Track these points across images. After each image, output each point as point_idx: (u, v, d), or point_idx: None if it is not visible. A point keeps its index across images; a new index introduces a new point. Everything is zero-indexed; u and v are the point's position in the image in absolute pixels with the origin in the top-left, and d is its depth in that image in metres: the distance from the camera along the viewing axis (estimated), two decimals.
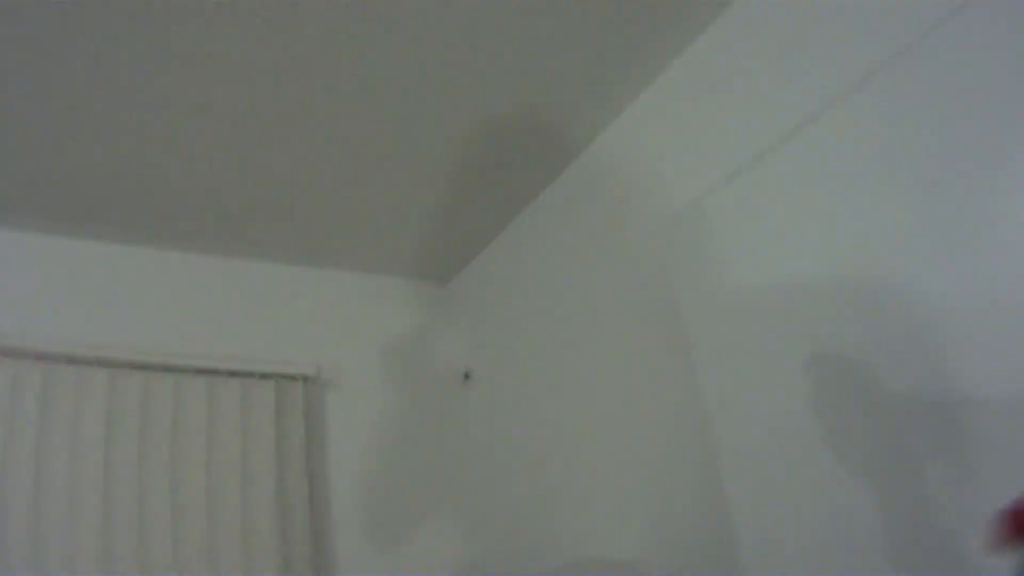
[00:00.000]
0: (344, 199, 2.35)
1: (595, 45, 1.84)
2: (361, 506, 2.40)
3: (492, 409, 2.59)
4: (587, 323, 2.16)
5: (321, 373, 2.47)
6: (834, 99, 1.44)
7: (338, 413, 2.49)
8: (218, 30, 1.62)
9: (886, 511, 1.26)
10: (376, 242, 2.60)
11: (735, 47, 1.77)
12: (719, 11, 1.77)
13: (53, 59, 1.63)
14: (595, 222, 2.17)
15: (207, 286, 2.45)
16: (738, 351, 1.61)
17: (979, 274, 1.16)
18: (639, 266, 1.97)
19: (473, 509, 2.55)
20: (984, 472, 1.11)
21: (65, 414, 2.03)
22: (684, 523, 1.79)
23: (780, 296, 1.53)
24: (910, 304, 1.27)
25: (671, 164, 1.91)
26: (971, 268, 1.17)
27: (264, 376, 2.35)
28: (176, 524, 2.05)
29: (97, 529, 1.94)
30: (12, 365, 2.01)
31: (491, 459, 2.56)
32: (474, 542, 2.51)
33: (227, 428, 2.23)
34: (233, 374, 2.30)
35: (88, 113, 1.81)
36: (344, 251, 2.63)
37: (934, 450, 1.20)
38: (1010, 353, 1.09)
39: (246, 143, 2.00)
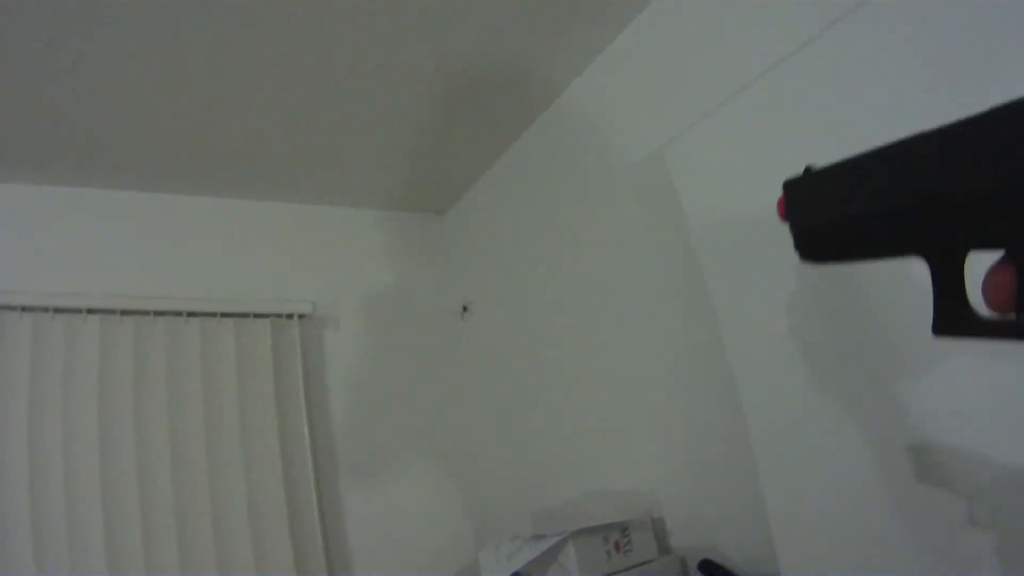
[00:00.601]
0: (333, 137, 2.25)
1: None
2: (361, 442, 2.41)
3: (491, 341, 2.56)
4: (581, 250, 2.11)
5: (317, 310, 2.44)
6: (800, 43, 1.38)
7: (336, 349, 2.47)
8: None
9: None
10: (368, 177, 2.53)
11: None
12: None
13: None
14: (585, 152, 2.10)
15: (198, 227, 2.39)
16: (737, 266, 1.56)
17: None
18: (625, 195, 1.92)
19: (473, 444, 2.56)
20: None
21: (58, 365, 2.01)
22: (698, 450, 1.79)
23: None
24: None
25: (652, 99, 1.85)
26: None
27: (259, 316, 2.32)
28: (177, 468, 2.05)
29: (97, 477, 1.95)
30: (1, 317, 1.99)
31: (491, 392, 2.55)
32: (474, 476, 2.52)
33: (224, 370, 2.22)
34: (227, 315, 2.27)
35: (61, 55, 1.71)
36: (336, 187, 2.56)
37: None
38: None
39: (231, 82, 1.90)
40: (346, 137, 2.26)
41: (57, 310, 2.06)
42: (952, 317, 0.40)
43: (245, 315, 2.30)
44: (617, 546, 1.89)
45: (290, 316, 2.37)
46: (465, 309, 2.67)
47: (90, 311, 2.10)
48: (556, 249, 2.21)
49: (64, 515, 1.88)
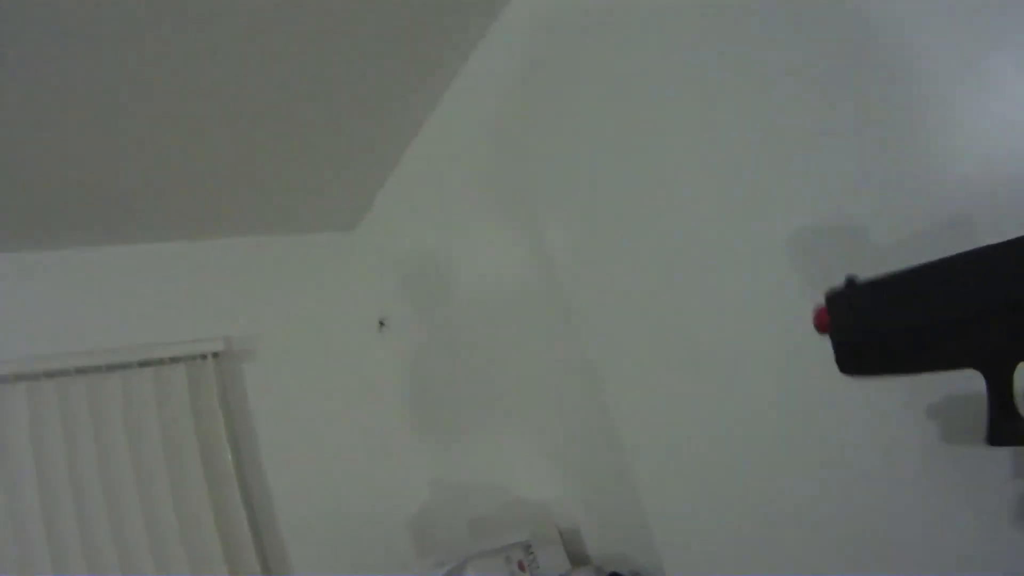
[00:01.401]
0: (225, 170, 2.30)
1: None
2: (293, 469, 2.54)
3: (410, 353, 2.68)
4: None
5: (233, 345, 2.53)
6: None
7: (257, 382, 2.58)
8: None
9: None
10: (268, 204, 2.58)
11: None
12: None
13: None
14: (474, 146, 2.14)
15: (104, 278, 2.45)
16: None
17: None
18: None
19: (404, 456, 2.71)
20: None
21: None
22: (600, 458, 1.88)
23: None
24: None
25: None
26: None
27: (175, 359, 2.41)
28: (113, 523, 2.18)
29: (43, 539, 2.08)
30: None
31: (417, 402, 2.68)
32: (409, 488, 2.68)
33: (148, 419, 2.32)
34: (144, 364, 2.36)
35: None
36: (239, 218, 2.61)
37: None
38: None
39: (107, 134, 1.94)
40: (242, 170, 2.31)
41: None
42: (1005, 429, 0.43)
43: (161, 361, 2.38)
44: (521, 566, 2.04)
45: (204, 356, 2.46)
46: (382, 324, 2.77)
47: (18, 378, 2.18)
48: (459, 258, 2.29)
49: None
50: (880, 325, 0.47)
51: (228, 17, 1.60)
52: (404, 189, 2.58)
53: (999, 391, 0.43)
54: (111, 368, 2.31)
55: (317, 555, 2.47)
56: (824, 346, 0.57)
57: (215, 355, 2.48)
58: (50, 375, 2.23)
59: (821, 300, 0.56)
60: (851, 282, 0.51)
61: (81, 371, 2.27)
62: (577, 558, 2.11)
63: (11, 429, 2.15)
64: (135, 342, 2.38)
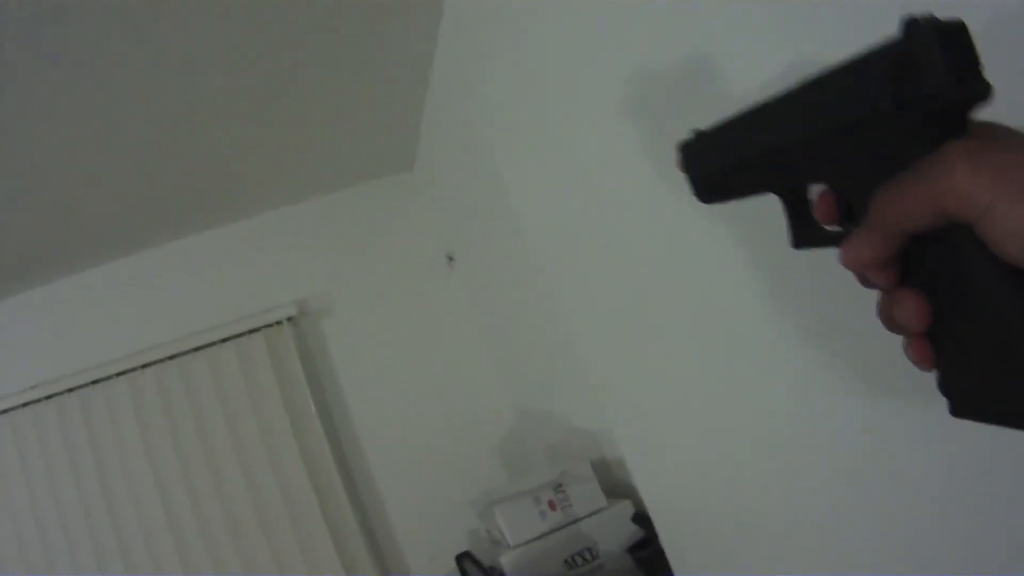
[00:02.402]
0: (269, 142, 2.28)
1: None
2: (383, 417, 2.60)
3: (479, 286, 2.56)
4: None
5: (308, 306, 2.61)
6: None
7: (337, 336, 2.65)
8: None
9: None
10: (320, 163, 2.56)
11: None
12: None
13: None
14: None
15: (174, 272, 2.63)
16: None
17: None
18: None
19: (485, 390, 2.63)
20: None
21: (104, 429, 2.42)
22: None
23: None
24: None
25: None
26: None
27: (252, 330, 2.55)
28: (219, 491, 2.42)
29: (161, 521, 2.37)
30: (57, 402, 2.43)
31: (493, 334, 2.57)
32: (493, 418, 2.60)
33: (237, 392, 2.50)
34: (225, 340, 2.53)
35: None
36: (295, 185, 2.64)
37: None
38: None
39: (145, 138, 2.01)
40: (280, 137, 2.29)
41: (94, 381, 2.45)
42: (803, 233, 0.52)
43: (240, 334, 2.53)
44: (552, 505, 1.90)
45: (279, 323, 2.56)
46: (451, 259, 2.67)
47: (120, 373, 2.47)
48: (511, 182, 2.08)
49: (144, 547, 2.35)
50: (709, 163, 0.59)
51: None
52: (442, 116, 2.39)
53: (794, 207, 0.53)
54: (197, 349, 2.51)
55: (411, 496, 2.51)
56: None
57: (290, 319, 2.58)
58: (147, 365, 2.48)
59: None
60: (697, 132, 0.61)
61: (172, 357, 2.49)
62: (620, 489, 1.91)
63: (120, 420, 2.43)
64: (220, 323, 2.54)
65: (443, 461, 2.55)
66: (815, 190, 0.50)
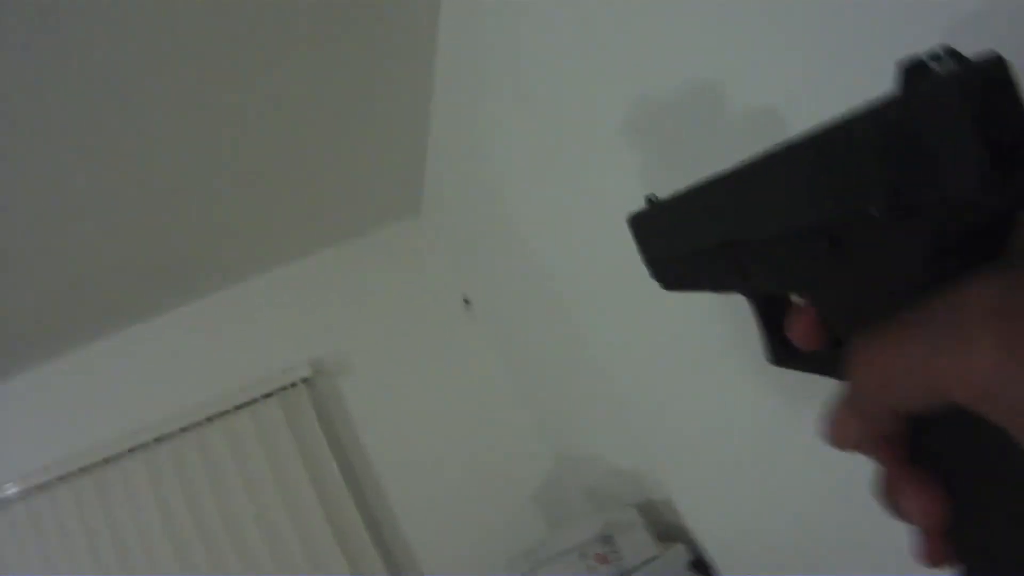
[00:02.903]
0: (270, 201, 2.21)
1: None
2: (408, 467, 2.47)
3: (498, 325, 2.44)
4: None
5: (323, 365, 2.50)
6: None
7: (357, 392, 2.53)
8: None
9: None
10: (325, 215, 2.47)
11: None
12: None
13: None
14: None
15: (186, 338, 2.53)
16: None
17: None
18: None
19: (513, 437, 2.50)
20: None
21: (121, 507, 2.31)
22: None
23: None
24: None
25: None
26: None
27: (267, 395, 2.43)
28: (243, 561, 2.28)
29: None
30: (68, 486, 2.31)
31: (518, 378, 2.45)
32: (525, 467, 2.47)
33: (257, 459, 2.38)
34: (240, 407, 2.42)
35: None
36: (302, 240, 2.55)
37: None
38: None
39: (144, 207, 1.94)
40: (281, 196, 2.20)
41: (106, 461, 2.33)
42: (780, 350, 0.41)
43: (254, 400, 2.42)
44: (600, 558, 1.76)
45: (294, 384, 2.45)
46: (467, 302, 2.56)
47: (136, 449, 2.35)
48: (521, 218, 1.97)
49: None
50: (660, 248, 0.49)
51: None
52: (444, 156, 2.29)
53: (767, 315, 0.42)
54: (211, 419, 2.40)
55: (444, 547, 2.38)
56: None
57: (305, 380, 2.47)
58: (160, 440, 2.36)
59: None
60: (648, 201, 0.50)
61: (186, 428, 2.38)
62: (671, 533, 1.78)
63: (137, 497, 2.31)
64: (232, 389, 2.43)
65: (478, 517, 2.42)
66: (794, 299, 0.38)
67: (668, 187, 0.87)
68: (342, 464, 2.42)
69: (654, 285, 0.66)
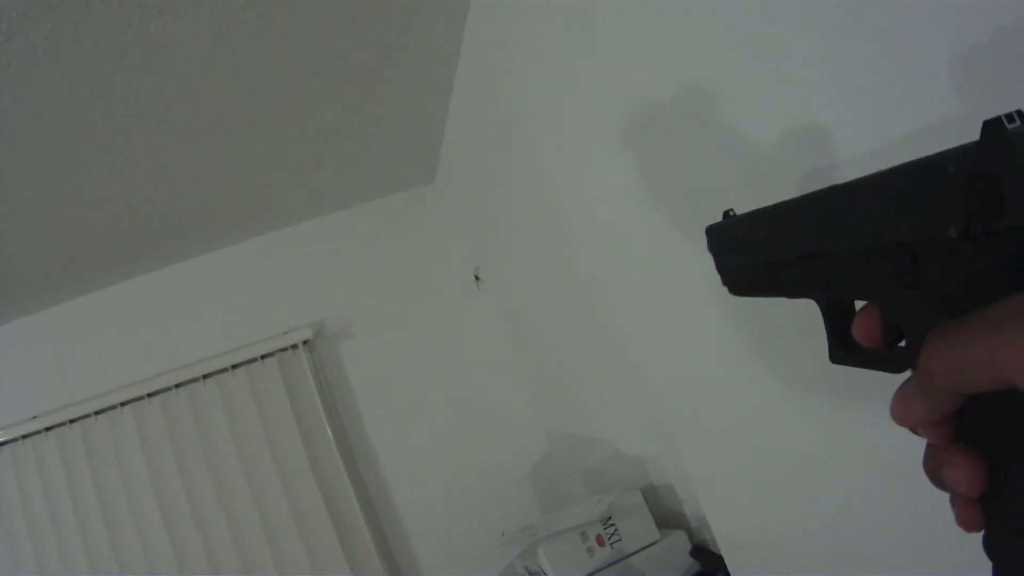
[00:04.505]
0: (285, 157, 2.15)
1: None
2: (401, 437, 2.44)
3: (508, 303, 2.40)
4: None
5: (325, 328, 2.46)
6: None
7: (357, 358, 2.49)
8: None
9: None
10: (338, 177, 2.41)
11: None
12: None
13: None
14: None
15: (187, 294, 2.48)
16: None
17: None
18: None
19: (514, 410, 2.47)
20: None
21: (108, 460, 2.26)
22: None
23: None
24: None
25: None
26: None
27: (265, 356, 2.39)
28: (230, 521, 2.25)
29: (168, 555, 2.21)
30: (55, 435, 2.26)
31: (522, 355, 2.42)
32: (524, 443, 2.44)
33: (248, 417, 2.34)
34: (236, 366, 2.37)
35: None
36: (313, 200, 2.49)
37: None
38: None
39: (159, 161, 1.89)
40: (296, 152, 2.15)
41: (97, 412, 2.29)
42: (841, 349, 0.48)
43: (252, 360, 2.38)
44: (600, 540, 1.73)
45: (294, 347, 2.41)
46: (477, 278, 2.52)
47: (124, 403, 2.31)
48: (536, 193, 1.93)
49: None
50: (738, 257, 0.55)
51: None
52: (463, 124, 2.24)
53: (833, 318, 0.48)
54: (207, 376, 2.35)
55: (435, 529, 2.35)
56: None
57: (305, 343, 2.42)
58: (153, 394, 2.32)
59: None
60: (725, 215, 0.57)
61: (180, 384, 2.34)
62: (672, 520, 1.76)
63: (125, 449, 2.27)
64: (231, 347, 2.39)
65: (470, 492, 2.38)
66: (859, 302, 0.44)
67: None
68: (336, 430, 2.37)
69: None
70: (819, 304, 0.49)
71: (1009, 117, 0.30)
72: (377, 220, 2.62)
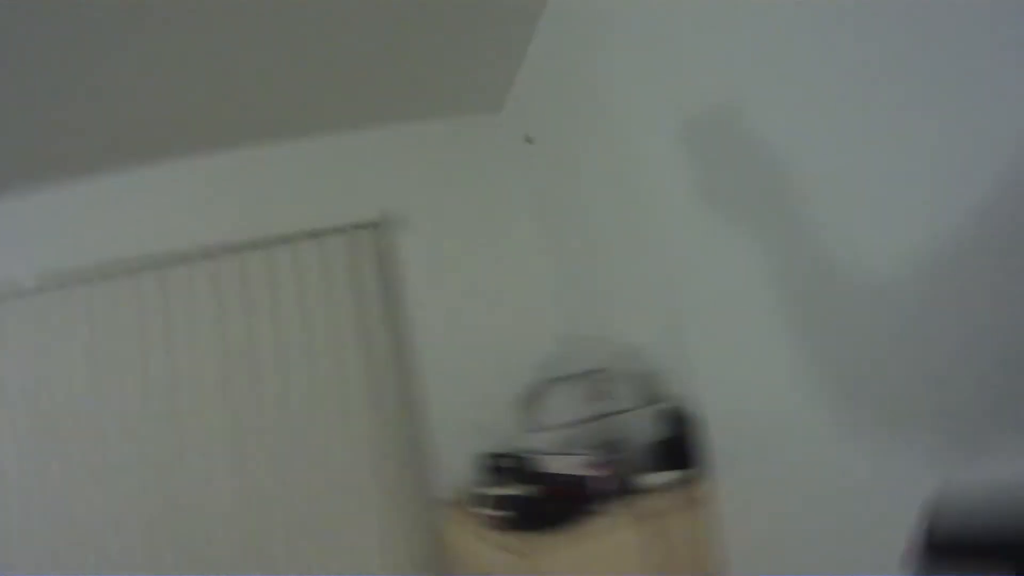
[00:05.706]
0: (368, 61, 2.49)
1: None
2: (441, 328, 2.80)
3: (553, 236, 2.77)
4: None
5: (390, 216, 2.81)
6: None
7: (415, 251, 2.85)
8: None
9: None
10: (414, 89, 2.75)
11: None
12: None
13: None
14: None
15: (282, 171, 2.84)
16: None
17: None
18: None
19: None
20: None
21: (181, 305, 2.62)
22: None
23: None
24: None
25: None
26: None
27: (337, 230, 2.74)
28: (282, 382, 2.62)
29: (220, 399, 2.57)
30: (143, 275, 2.62)
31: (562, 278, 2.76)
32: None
33: (312, 283, 2.70)
34: (310, 235, 2.72)
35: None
36: (388, 107, 2.84)
37: None
38: None
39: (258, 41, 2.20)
40: (379, 58, 2.48)
41: (181, 259, 2.64)
42: None
43: (324, 232, 2.72)
44: (598, 391, 2.01)
45: (362, 226, 2.75)
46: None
47: (202, 255, 2.66)
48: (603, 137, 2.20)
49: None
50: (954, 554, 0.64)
51: None
52: (543, 64, 2.56)
53: None
54: (282, 240, 2.70)
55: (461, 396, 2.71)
56: None
57: (374, 225, 2.77)
58: (230, 250, 2.67)
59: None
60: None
61: (256, 244, 2.69)
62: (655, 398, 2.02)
63: (197, 300, 2.63)
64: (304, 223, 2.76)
65: (489, 371, 2.75)
66: None
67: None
68: (388, 311, 2.74)
69: None
70: None
71: None
72: (446, 135, 2.99)
